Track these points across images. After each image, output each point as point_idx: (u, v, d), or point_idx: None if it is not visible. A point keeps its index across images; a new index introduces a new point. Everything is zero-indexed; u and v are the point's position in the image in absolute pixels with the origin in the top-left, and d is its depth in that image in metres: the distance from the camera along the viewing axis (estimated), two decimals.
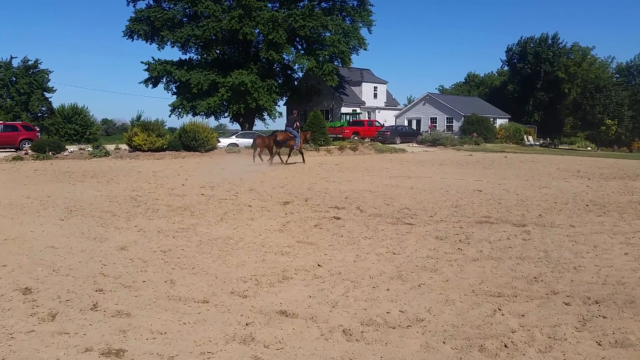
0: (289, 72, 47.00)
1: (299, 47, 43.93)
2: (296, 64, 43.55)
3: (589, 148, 44.80)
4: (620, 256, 5.92)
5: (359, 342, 3.54)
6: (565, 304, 4.28)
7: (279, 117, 43.87)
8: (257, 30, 39.94)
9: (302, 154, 20.68)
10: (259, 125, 45.49)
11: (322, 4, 43.25)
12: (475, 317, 3.99)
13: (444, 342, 3.52)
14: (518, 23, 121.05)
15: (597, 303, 4.29)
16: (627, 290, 4.64)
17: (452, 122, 45.47)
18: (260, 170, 17.06)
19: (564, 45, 55.93)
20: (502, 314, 4.04)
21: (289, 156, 20.57)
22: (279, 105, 46.00)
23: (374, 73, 54.83)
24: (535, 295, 4.52)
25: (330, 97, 48.07)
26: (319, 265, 5.47)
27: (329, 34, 41.23)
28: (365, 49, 44.06)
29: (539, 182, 14.25)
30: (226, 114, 44.49)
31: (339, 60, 42.85)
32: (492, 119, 45.40)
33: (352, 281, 4.93)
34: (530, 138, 44.92)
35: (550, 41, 56.03)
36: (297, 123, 20.45)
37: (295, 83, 48.89)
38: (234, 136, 32.15)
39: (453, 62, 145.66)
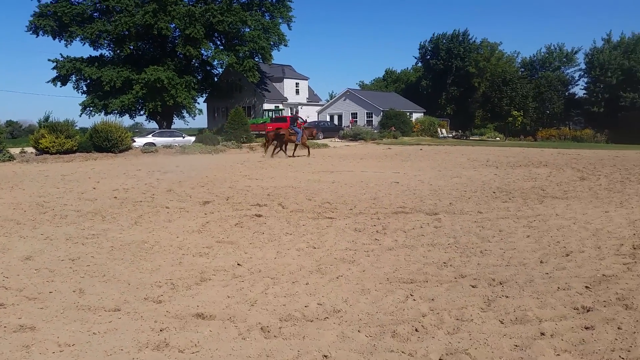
0: (208, 68, 45.89)
1: (218, 42, 43.05)
2: (215, 60, 42.62)
3: (497, 138, 47.89)
4: (523, 239, 6.39)
5: (276, 339, 3.55)
6: (472, 286, 4.56)
7: (200, 115, 42.74)
8: (173, 25, 38.61)
9: (307, 147, 23.35)
10: (178, 123, 44.14)
11: None
12: (388, 304, 4.14)
13: (358, 331, 3.62)
14: (432, 20, 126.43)
15: (500, 284, 4.60)
16: (527, 270, 5.02)
17: (372, 117, 46.71)
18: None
19: (474, 41, 59.17)
20: (414, 300, 4.23)
21: (294, 150, 23.17)
22: (198, 103, 44.83)
23: (295, 69, 54.98)
24: (445, 279, 4.78)
25: (252, 94, 47.64)
26: (238, 264, 5.42)
27: (249, 30, 40.75)
28: (285, 45, 44.05)
29: (451, 172, 15.02)
30: (142, 112, 42.69)
31: (260, 56, 42.50)
32: (408, 113, 47.18)
33: (272, 278, 4.94)
34: (444, 131, 47.27)
35: (461, 38, 59.06)
36: (298, 121, 24.51)
37: (216, 79, 47.87)
38: (150, 135, 30.90)
39: (372, 58, 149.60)
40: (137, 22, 36.36)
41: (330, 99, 57.58)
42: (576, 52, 59.57)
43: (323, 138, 36.87)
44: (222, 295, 4.49)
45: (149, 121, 46.70)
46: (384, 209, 8.74)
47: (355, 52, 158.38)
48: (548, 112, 55.01)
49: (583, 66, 57.45)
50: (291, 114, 47.21)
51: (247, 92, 47.68)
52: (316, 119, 47.00)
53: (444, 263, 5.32)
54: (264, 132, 36.74)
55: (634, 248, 5.75)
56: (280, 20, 42.66)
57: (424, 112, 51.02)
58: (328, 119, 48.16)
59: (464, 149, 28.72)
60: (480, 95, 54.12)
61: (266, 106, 46.56)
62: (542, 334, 3.48)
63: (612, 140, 45.21)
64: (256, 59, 42.60)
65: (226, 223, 7.67)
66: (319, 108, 51.52)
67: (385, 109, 45.15)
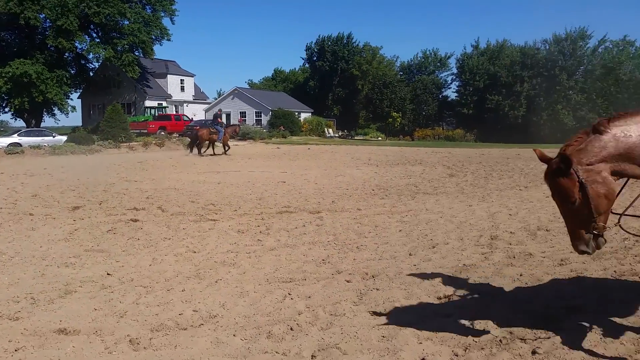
0: (83, 62, 42.63)
1: (94, 35, 40.22)
2: (91, 54, 39.78)
3: (379, 138, 50.40)
4: (395, 233, 6.78)
5: (146, 350, 3.38)
6: (347, 281, 4.73)
7: (73, 112, 39.52)
8: (43, 15, 35.25)
9: (226, 146, 23.26)
10: (48, 121, 40.02)
11: None
12: (266, 305, 4.15)
13: (234, 335, 3.58)
14: (318, 21, 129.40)
15: (373, 277, 4.83)
16: (397, 262, 5.33)
17: (261, 116, 46.67)
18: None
19: (357, 45, 61.71)
20: (292, 298, 4.29)
21: (213, 148, 22.93)
22: (71, 99, 41.47)
23: (180, 65, 53.09)
24: (322, 276, 4.91)
25: (132, 90, 45.10)
26: (108, 274, 5.07)
27: (128, 23, 38.53)
28: (169, 40, 42.42)
29: (335, 171, 15.51)
30: (7, 110, 38.50)
31: (140, 50, 40.41)
32: (297, 113, 47.90)
33: (145, 287, 4.70)
34: (331, 130, 48.71)
35: (345, 40, 61.25)
36: (219, 119, 23.90)
37: (91, 74, 44.59)
38: (15, 135, 27.92)
39: (261, 57, 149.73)
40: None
41: (219, 97, 56.46)
42: (449, 58, 64.80)
43: None
44: (89, 308, 4.17)
45: (15, 119, 42.29)
46: (268, 209, 8.75)
47: (245, 51, 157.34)
48: (424, 113, 59.21)
49: (455, 70, 62.65)
50: (176, 111, 45.51)
51: (126, 88, 45.03)
52: (203, 118, 45.79)
53: (323, 260, 5.47)
54: (145, 131, 35.14)
55: (492, 238, 6.37)
56: (163, 14, 41.00)
57: (311, 112, 52.12)
58: None
59: (348, 149, 29.82)
60: (364, 97, 56.68)
61: (148, 103, 44.42)
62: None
63: (480, 139, 49.85)
64: (137, 54, 40.45)
65: (97, 230, 7.16)
66: (206, 106, 50.27)
67: (274, 108, 45.39)
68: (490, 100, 54.22)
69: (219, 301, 4.28)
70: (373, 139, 49.32)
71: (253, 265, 5.31)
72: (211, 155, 22.19)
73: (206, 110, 49.07)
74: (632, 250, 5.69)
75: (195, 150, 22.40)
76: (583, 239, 3.12)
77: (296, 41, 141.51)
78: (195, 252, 5.97)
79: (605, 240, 3.27)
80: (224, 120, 25.76)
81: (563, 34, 53.61)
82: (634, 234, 4.92)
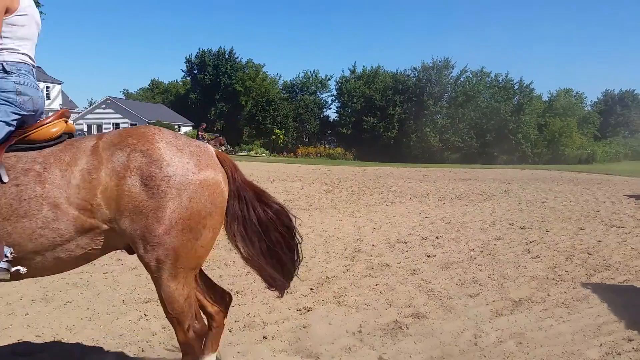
0: None
1: None
2: None
3: (263, 154, 50.66)
4: None
5: None
6: None
7: None
8: None
9: None
10: None
11: None
12: (119, 327, 3.92)
13: None
14: (199, 34, 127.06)
15: (237, 293, 4.81)
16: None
17: None
18: None
19: (240, 60, 61.69)
20: (147, 319, 4.10)
21: None
22: None
23: (46, 72, 48.63)
24: None
25: None
26: None
27: None
28: None
29: None
30: None
31: None
32: (177, 127, 46.34)
33: None
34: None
35: (227, 55, 60.86)
36: (200, 132, 24.12)
37: None
38: None
39: (138, 66, 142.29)
40: None
41: (89, 107, 52.66)
42: (329, 79, 67.43)
43: None
44: None
45: None
46: None
47: (120, 59, 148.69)
48: (307, 131, 60.75)
49: (335, 92, 65.31)
50: None
51: None
52: None
53: None
54: None
55: (355, 251, 6.70)
56: None
57: (192, 126, 50.77)
58: (85, 128, 43.90)
59: None
60: (247, 113, 56.64)
61: None
62: (265, 337, 3.75)
63: (358, 158, 52.40)
64: None
65: None
66: (74, 116, 46.53)
67: (152, 120, 43.46)
68: (366, 121, 57.31)
69: (66, 324, 3.95)
70: (257, 155, 49.39)
71: (108, 286, 4.99)
72: None
73: (74, 121, 45.44)
74: (475, 260, 6.35)
75: None
76: None
77: (176, 52, 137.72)
78: None
79: None
80: (204, 133, 24.47)
81: (430, 63, 58.75)
82: None
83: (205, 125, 26.95)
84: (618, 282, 5.51)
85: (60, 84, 48.39)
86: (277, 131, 49.43)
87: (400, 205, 11.68)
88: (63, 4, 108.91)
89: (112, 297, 4.67)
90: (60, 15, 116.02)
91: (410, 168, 32.31)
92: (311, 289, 4.97)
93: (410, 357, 3.50)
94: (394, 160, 45.62)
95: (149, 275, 5.33)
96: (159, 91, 70.70)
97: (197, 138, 23.48)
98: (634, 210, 11.48)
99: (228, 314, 4.20)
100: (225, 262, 6.00)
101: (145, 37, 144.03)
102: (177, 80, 72.00)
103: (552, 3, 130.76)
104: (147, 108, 49.39)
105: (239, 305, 4.45)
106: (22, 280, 5.13)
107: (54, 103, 46.71)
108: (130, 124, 44.41)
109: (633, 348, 3.71)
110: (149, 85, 73.17)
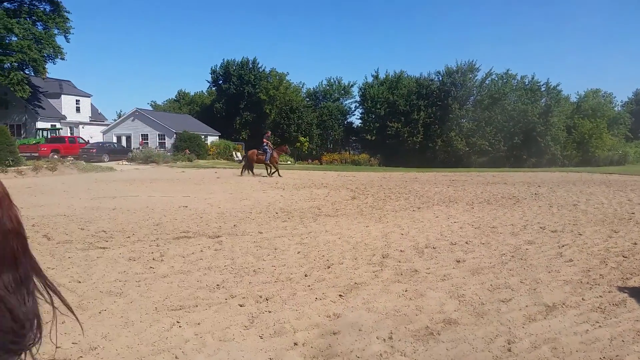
0: None
1: None
2: None
3: (289, 162, 50.85)
4: (294, 255, 6.85)
5: None
6: (240, 305, 4.70)
7: None
8: None
9: (274, 167, 24.50)
10: None
11: (5, 4, 37.28)
12: (152, 334, 3.99)
13: None
14: (223, 46, 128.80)
15: (266, 300, 4.84)
16: (292, 284, 5.39)
17: (165, 139, 45.20)
18: None
19: (263, 70, 62.26)
20: (180, 326, 4.16)
21: (268, 169, 24.63)
22: None
23: (75, 85, 50.12)
24: (215, 301, 4.82)
25: (23, 110, 41.73)
26: None
27: (16, 39, 35.81)
28: (62, 59, 39.96)
29: (241, 195, 15.38)
30: None
31: (31, 68, 37.66)
32: (203, 136, 47.01)
33: None
34: (239, 154, 48.28)
35: (250, 65, 61.51)
36: (264, 140, 24.50)
37: None
38: None
39: (165, 78, 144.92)
40: None
41: (118, 119, 53.93)
42: (352, 86, 67.35)
43: (109, 160, 34.23)
44: None
45: None
46: (165, 234, 8.46)
47: (146, 71, 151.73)
48: (331, 138, 60.78)
49: (358, 98, 65.23)
50: (71, 133, 42.74)
51: (15, 108, 41.57)
52: (101, 140, 43.36)
53: (217, 285, 5.38)
54: (36, 154, 32.52)
55: (383, 257, 6.66)
56: (56, 32, 38.62)
57: (219, 136, 51.44)
58: (115, 140, 44.89)
59: (256, 172, 29.72)
60: (272, 121, 57.09)
61: (40, 125, 41.30)
62: (295, 343, 3.76)
63: (383, 164, 52.12)
64: (27, 72, 37.63)
65: None
66: (104, 128, 47.72)
67: (179, 131, 44.20)
68: (390, 127, 57.00)
69: (101, 332, 4.05)
70: (282, 162, 49.63)
71: (141, 294, 5.09)
72: (265, 176, 24.00)
73: (104, 133, 46.59)
74: (507, 265, 6.24)
75: (246, 172, 24.31)
76: None
77: (201, 64, 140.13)
78: (79, 282, 5.60)
79: None
80: (268, 141, 25.04)
81: (454, 67, 58.17)
82: None
83: (269, 132, 27.33)
84: None
85: (89, 97, 49.71)
86: (302, 138, 49.67)
87: (428, 210, 11.57)
88: (91, 15, 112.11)
89: (145, 304, 4.76)
90: (89, 28, 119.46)
91: (436, 173, 31.98)
92: (340, 295, 4.96)
93: None
94: (419, 165, 45.24)
95: (180, 283, 5.46)
96: (185, 102, 71.86)
97: (262, 145, 24.39)
98: None
99: (257, 321, 4.24)
100: (255, 269, 6.04)
101: (171, 50, 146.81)
102: (202, 91, 73.12)
103: (576, 1, 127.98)
104: (174, 119, 50.24)
105: (269, 312, 4.48)
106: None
107: (84, 116, 48.04)
108: (159, 135, 45.27)
109: None
110: (176, 96, 74.46)
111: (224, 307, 4.64)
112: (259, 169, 26.07)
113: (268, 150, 24.28)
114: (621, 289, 5.17)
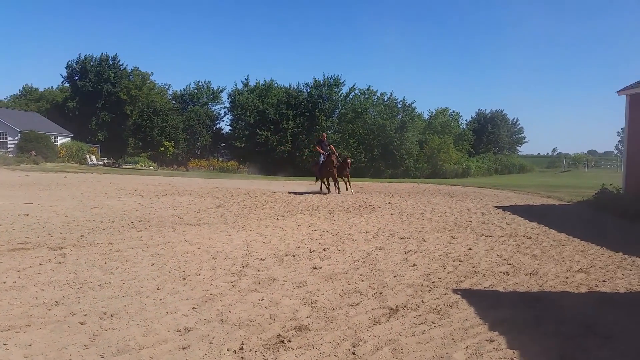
0: None
1: None
2: None
3: (151, 167, 48.32)
4: (147, 267, 6.50)
5: None
6: (81, 323, 4.32)
7: None
8: None
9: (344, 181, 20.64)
10: None
11: None
12: None
13: None
14: (81, 39, 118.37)
15: (111, 316, 4.52)
16: (142, 298, 5.10)
17: (7, 139, 40.12)
18: None
19: (125, 68, 58.53)
20: (7, 349, 3.70)
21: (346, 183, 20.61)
22: None
23: None
24: (52, 320, 4.38)
25: None
26: None
27: None
28: None
29: (93, 202, 14.21)
30: None
31: None
32: (53, 137, 42.69)
33: None
34: (94, 157, 44.71)
35: (110, 62, 57.46)
36: (329, 147, 20.20)
37: None
38: None
39: (8, 71, 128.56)
40: None
41: None
42: (221, 91, 66.50)
43: None
44: None
45: None
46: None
47: None
48: (198, 144, 59.11)
49: (227, 104, 64.46)
50: None
51: None
52: None
53: (56, 302, 4.89)
54: None
55: (243, 266, 6.63)
56: None
57: (71, 137, 47.11)
58: None
59: (113, 178, 27.71)
60: (133, 124, 53.80)
61: None
62: None
63: (252, 172, 52.02)
64: None
65: None
66: None
67: (25, 130, 39.53)
68: (260, 135, 57.29)
69: None
70: (144, 168, 47.00)
71: None
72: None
73: None
74: (358, 271, 6.60)
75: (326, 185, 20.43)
76: None
77: (52, 56, 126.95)
78: None
79: None
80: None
81: (322, 80, 60.46)
82: None
83: (325, 136, 22.84)
84: (484, 287, 6.04)
85: None
86: (166, 143, 47.45)
87: (291, 218, 11.81)
88: None
89: None
90: None
91: (302, 181, 32.81)
92: (194, 308, 4.83)
93: None
94: (287, 174, 46.04)
95: (11, 300, 4.86)
96: (32, 98, 64.43)
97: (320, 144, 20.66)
98: (500, 220, 12.70)
99: (99, 339, 3.94)
100: (101, 284, 5.61)
101: (14, 38, 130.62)
102: (53, 87, 66.33)
103: (434, 34, 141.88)
104: (18, 116, 44.69)
105: (113, 329, 4.19)
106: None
107: None
108: (0, 134, 40.01)
109: (494, 348, 4.09)
110: (21, 91, 66.49)
111: (61, 326, 4.23)
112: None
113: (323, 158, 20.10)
114: (455, 291, 5.78)
